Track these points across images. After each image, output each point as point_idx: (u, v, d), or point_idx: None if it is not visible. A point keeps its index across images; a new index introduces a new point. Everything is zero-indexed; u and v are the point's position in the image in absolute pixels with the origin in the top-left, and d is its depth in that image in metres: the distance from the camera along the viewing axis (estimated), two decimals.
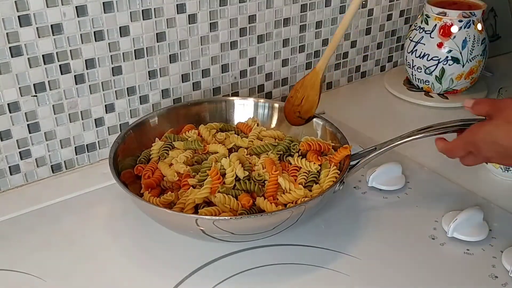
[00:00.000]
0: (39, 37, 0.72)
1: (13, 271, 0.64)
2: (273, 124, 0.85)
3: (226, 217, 0.62)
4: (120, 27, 0.79)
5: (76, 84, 0.78)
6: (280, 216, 0.62)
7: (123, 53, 0.80)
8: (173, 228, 0.67)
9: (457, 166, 0.80)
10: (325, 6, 1.01)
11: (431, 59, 1.02)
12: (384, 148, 0.72)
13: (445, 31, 1.00)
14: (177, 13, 0.83)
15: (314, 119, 0.81)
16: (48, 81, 0.76)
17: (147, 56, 0.83)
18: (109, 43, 0.79)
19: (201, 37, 0.88)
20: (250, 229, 0.64)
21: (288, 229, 0.66)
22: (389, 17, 1.13)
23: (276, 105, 0.85)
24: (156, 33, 0.82)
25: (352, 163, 0.71)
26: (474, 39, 1.00)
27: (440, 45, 1.01)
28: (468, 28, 1.00)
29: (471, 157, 0.68)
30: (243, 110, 0.85)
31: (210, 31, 0.88)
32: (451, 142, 0.69)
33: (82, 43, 0.76)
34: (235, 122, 0.85)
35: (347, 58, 1.11)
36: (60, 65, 0.76)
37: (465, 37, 1.00)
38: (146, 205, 0.65)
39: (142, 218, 0.73)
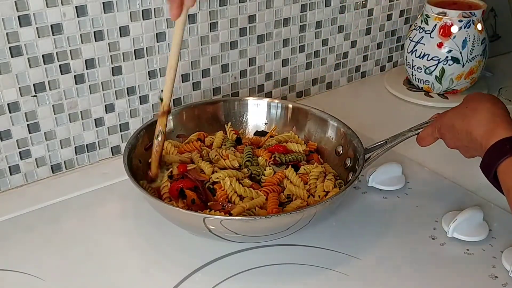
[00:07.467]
0: (39, 37, 0.72)
1: (13, 271, 0.64)
2: (286, 125, 0.85)
3: (233, 218, 0.62)
4: (120, 27, 0.79)
5: (76, 84, 0.78)
6: (291, 218, 0.62)
7: (123, 53, 0.80)
8: (183, 226, 0.68)
9: (457, 166, 0.80)
10: (325, 6, 1.01)
11: (431, 59, 1.02)
12: (395, 141, 0.73)
13: (445, 31, 1.00)
14: None
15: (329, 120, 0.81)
16: (48, 81, 0.76)
17: (147, 56, 0.83)
18: (109, 43, 0.79)
19: (201, 37, 0.88)
20: (257, 230, 0.64)
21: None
22: (389, 17, 1.13)
23: (290, 105, 0.85)
24: (156, 33, 0.82)
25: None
26: (474, 39, 1.00)
27: (440, 45, 1.01)
28: (468, 28, 0.99)
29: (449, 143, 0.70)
30: (257, 110, 0.86)
31: (210, 31, 0.88)
32: (422, 130, 0.72)
33: (82, 43, 0.76)
34: (249, 122, 0.86)
35: (347, 58, 1.11)
36: (60, 65, 0.76)
37: (465, 37, 1.00)
38: (157, 203, 0.65)
39: (142, 218, 0.73)
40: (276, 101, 0.86)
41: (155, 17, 0.81)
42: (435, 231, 0.71)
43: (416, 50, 1.04)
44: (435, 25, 1.01)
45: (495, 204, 0.75)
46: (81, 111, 0.80)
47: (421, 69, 1.04)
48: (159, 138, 0.70)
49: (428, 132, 0.72)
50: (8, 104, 0.74)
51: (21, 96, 0.74)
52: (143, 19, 0.80)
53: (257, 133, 0.85)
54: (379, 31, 1.13)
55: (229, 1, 0.88)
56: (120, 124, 0.85)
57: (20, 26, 0.71)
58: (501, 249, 0.67)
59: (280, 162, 0.76)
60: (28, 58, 0.73)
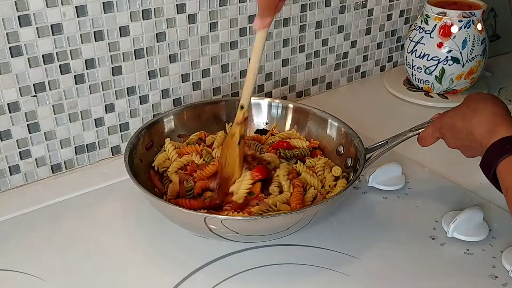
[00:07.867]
0: (39, 37, 0.72)
1: (13, 271, 0.64)
2: (288, 125, 0.85)
3: (233, 217, 0.62)
4: (120, 27, 0.79)
5: (76, 84, 0.78)
6: (291, 218, 0.62)
7: (123, 53, 0.80)
8: (183, 225, 0.68)
9: (457, 166, 0.80)
10: (325, 6, 1.01)
11: (431, 59, 1.02)
12: (396, 141, 0.73)
13: (445, 31, 1.00)
14: (177, 13, 0.83)
15: (329, 120, 0.81)
16: (48, 81, 0.76)
17: (147, 56, 0.83)
18: (109, 43, 0.79)
19: (201, 37, 0.88)
20: (258, 230, 0.64)
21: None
22: (389, 17, 1.13)
23: (291, 105, 0.85)
24: (156, 33, 0.82)
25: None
26: (474, 39, 1.00)
27: (440, 45, 1.01)
28: (468, 28, 1.00)
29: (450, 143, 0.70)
30: (258, 110, 0.86)
31: (210, 31, 0.88)
32: (423, 130, 0.72)
33: (82, 43, 0.76)
34: (250, 122, 0.85)
35: (347, 58, 1.11)
36: (60, 65, 0.76)
37: (465, 37, 1.00)
38: (159, 203, 0.64)
39: (143, 217, 0.73)
40: (277, 101, 0.86)
41: (155, 17, 0.81)
42: (435, 231, 0.71)
43: (416, 50, 1.04)
44: (435, 25, 1.01)
45: (495, 204, 0.75)
46: (81, 111, 0.80)
47: (421, 69, 1.04)
48: (241, 144, 0.68)
49: (428, 132, 0.72)
50: (8, 104, 0.74)
51: (21, 96, 0.74)
52: (143, 19, 0.80)
53: (258, 132, 0.85)
54: (379, 31, 1.13)
55: (229, 1, 0.88)
56: (120, 124, 0.85)
57: (20, 26, 0.71)
58: (501, 249, 0.67)
59: (285, 158, 0.76)
60: (28, 58, 0.73)
